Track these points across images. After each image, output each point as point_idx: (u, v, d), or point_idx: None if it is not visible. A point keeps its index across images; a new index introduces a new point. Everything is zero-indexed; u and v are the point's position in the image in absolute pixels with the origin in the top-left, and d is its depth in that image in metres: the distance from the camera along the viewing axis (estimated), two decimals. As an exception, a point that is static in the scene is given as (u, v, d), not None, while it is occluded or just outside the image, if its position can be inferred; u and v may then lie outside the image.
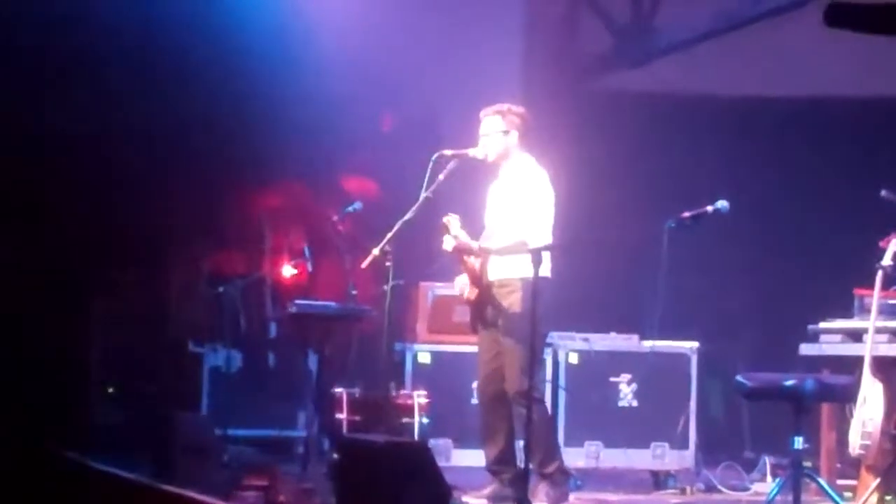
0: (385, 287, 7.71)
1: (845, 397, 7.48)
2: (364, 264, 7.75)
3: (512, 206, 7.72)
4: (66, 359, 9.64)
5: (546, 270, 7.47)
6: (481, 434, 7.90)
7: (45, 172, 9.70)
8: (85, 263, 9.82)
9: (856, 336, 8.06)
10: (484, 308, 7.74)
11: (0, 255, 9.64)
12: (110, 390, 9.78)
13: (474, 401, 8.76)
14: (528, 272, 7.09)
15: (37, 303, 9.68)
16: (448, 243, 7.59)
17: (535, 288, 7.01)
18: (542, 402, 7.87)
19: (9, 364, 9.43)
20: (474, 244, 7.62)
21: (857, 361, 7.69)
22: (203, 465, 7.75)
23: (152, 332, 9.94)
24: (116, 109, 9.74)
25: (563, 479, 7.74)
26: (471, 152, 7.76)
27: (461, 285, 7.82)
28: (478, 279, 7.68)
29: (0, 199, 9.69)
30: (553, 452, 7.69)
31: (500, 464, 7.75)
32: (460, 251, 7.62)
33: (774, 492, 6.86)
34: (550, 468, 7.60)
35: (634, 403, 8.83)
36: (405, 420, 8.20)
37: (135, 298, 10.13)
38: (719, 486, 8.56)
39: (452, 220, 7.55)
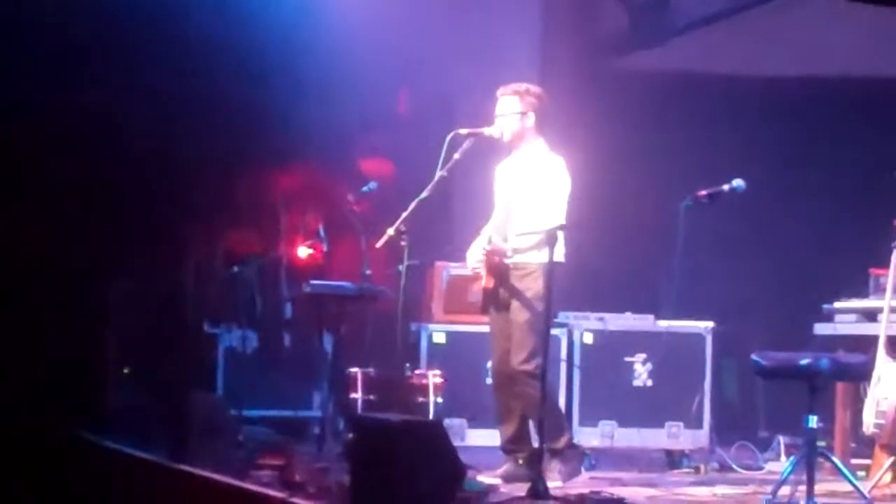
0: (400, 267, 7.73)
1: (860, 376, 7.47)
2: (379, 244, 7.76)
3: (527, 193, 7.71)
4: (83, 341, 9.68)
5: (560, 255, 7.48)
6: (496, 414, 7.92)
7: (61, 154, 9.74)
8: (100, 245, 9.85)
9: (871, 315, 8.06)
10: (497, 291, 7.75)
11: (15, 237, 9.68)
12: (126, 371, 9.80)
13: (489, 381, 8.75)
14: (544, 257, 7.11)
15: (52, 285, 9.71)
16: (479, 247, 7.65)
17: (549, 272, 7.02)
18: (543, 378, 7.86)
19: (26, 347, 9.48)
20: (506, 247, 7.62)
21: (871, 341, 7.68)
22: (218, 445, 7.79)
23: (168, 313, 9.96)
24: (134, 91, 9.76)
25: (574, 455, 7.75)
26: (486, 131, 7.76)
27: (473, 262, 7.80)
28: (497, 271, 7.69)
29: (15, 180, 9.73)
30: (560, 428, 7.70)
31: (515, 443, 7.77)
32: (494, 254, 7.63)
33: (788, 471, 6.85)
34: (559, 444, 7.61)
35: (649, 383, 8.83)
36: (420, 400, 8.21)
37: (150, 280, 10.14)
38: (733, 466, 8.56)
39: (491, 231, 7.61)
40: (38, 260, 9.77)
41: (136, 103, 9.78)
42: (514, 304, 7.67)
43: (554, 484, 7.09)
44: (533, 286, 7.57)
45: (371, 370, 8.35)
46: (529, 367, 7.48)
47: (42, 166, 9.78)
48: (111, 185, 9.81)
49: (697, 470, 8.55)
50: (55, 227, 9.71)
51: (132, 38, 9.71)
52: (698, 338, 8.85)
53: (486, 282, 7.76)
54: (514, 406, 7.76)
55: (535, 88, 7.85)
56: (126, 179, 9.85)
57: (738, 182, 7.88)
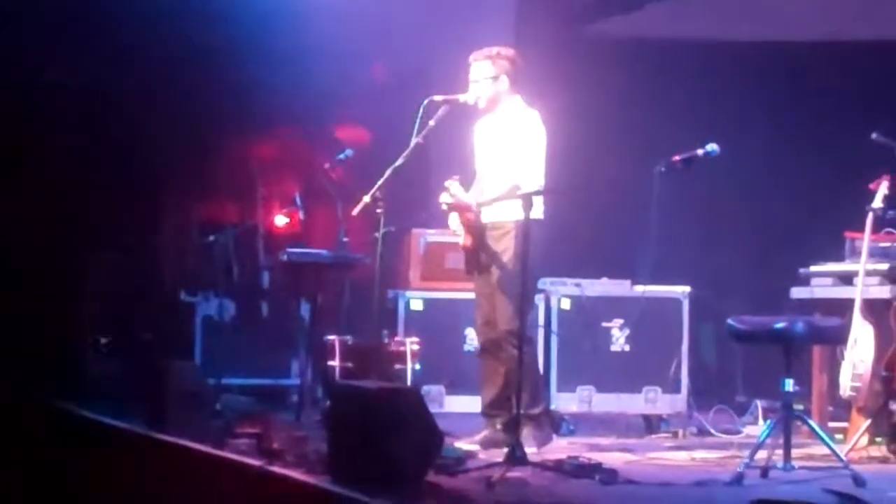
0: (377, 234, 7.71)
1: (836, 339, 7.50)
2: (355, 211, 7.74)
3: (503, 149, 7.71)
4: (58, 310, 9.64)
5: (538, 213, 7.47)
6: (480, 377, 7.91)
7: (36, 125, 9.69)
8: (75, 214, 9.81)
9: (846, 279, 8.09)
10: (478, 253, 7.75)
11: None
12: (103, 341, 9.78)
13: (467, 347, 8.80)
14: (521, 214, 7.10)
15: (27, 255, 9.67)
16: (444, 200, 7.62)
17: (525, 231, 7.02)
18: (532, 342, 7.88)
19: (1, 318, 9.44)
20: (471, 200, 7.62)
21: (847, 304, 7.73)
22: (196, 414, 7.77)
23: (144, 281, 9.94)
24: (109, 60, 9.71)
25: (547, 422, 7.77)
26: (461, 98, 7.75)
27: (455, 225, 7.81)
28: (473, 228, 7.69)
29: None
30: (538, 395, 7.72)
31: (495, 407, 7.78)
32: (458, 208, 7.62)
33: (765, 434, 6.88)
34: (536, 410, 7.62)
35: (626, 348, 8.84)
36: (398, 367, 8.21)
37: (127, 249, 10.11)
38: (711, 430, 8.59)
39: (453, 185, 7.59)
40: (13, 230, 9.73)
41: (111, 74, 9.73)
42: (495, 266, 7.66)
43: (528, 450, 7.10)
44: (511, 245, 7.56)
45: (348, 338, 8.34)
46: (514, 326, 7.46)
47: (16, 138, 9.73)
48: (86, 156, 9.76)
49: (675, 434, 8.58)
50: (31, 199, 9.67)
51: (106, 9, 9.66)
52: (675, 303, 8.86)
53: (464, 240, 7.75)
54: (498, 370, 7.77)
55: (506, 51, 7.84)
56: (101, 150, 9.81)
57: (712, 146, 7.88)
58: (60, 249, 9.71)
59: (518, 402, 7.05)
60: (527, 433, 7.43)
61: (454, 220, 7.79)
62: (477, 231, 7.70)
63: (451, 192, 7.58)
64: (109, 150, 9.83)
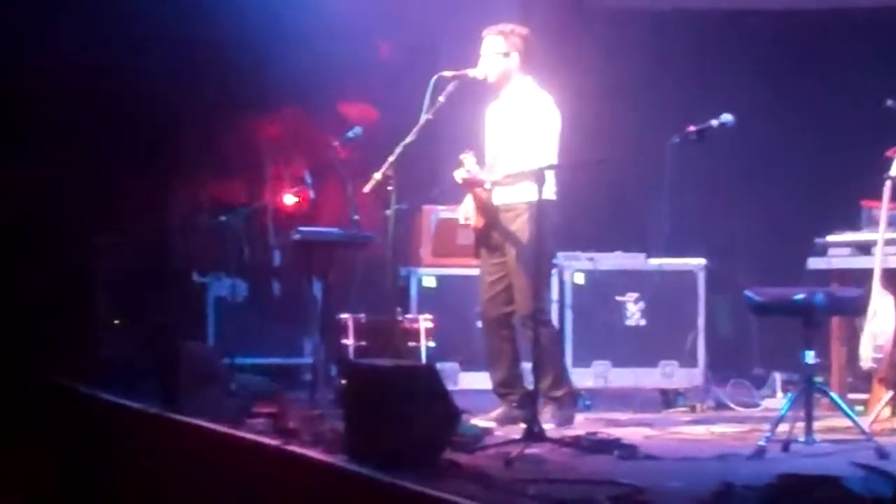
0: (388, 212, 7.65)
1: (855, 310, 7.42)
2: (366, 189, 7.68)
3: (516, 130, 7.66)
4: (72, 292, 9.63)
5: (551, 193, 7.41)
6: (486, 358, 7.88)
7: (46, 106, 9.66)
8: (88, 196, 9.78)
9: (864, 249, 8.01)
10: (489, 233, 7.69)
11: (1, 191, 9.62)
12: (116, 322, 9.76)
13: (480, 324, 8.73)
14: (534, 196, 7.04)
15: (38, 236, 9.66)
16: (459, 175, 7.55)
17: (539, 209, 6.96)
18: (550, 324, 7.83)
19: (14, 299, 9.43)
20: (486, 178, 7.55)
21: (866, 274, 7.64)
22: (211, 394, 7.75)
23: (156, 262, 9.91)
24: (118, 40, 9.67)
25: (570, 402, 7.73)
26: (470, 73, 7.69)
27: (465, 212, 7.77)
28: (485, 208, 7.63)
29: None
30: (562, 377, 7.67)
31: (506, 386, 7.74)
32: (471, 184, 7.57)
33: (786, 407, 6.81)
34: (559, 392, 7.59)
35: (642, 322, 8.77)
36: (411, 344, 8.17)
37: (137, 230, 10.08)
38: (729, 404, 8.54)
39: (468, 158, 7.52)
40: (26, 211, 9.71)
41: (119, 54, 9.69)
42: (509, 248, 7.61)
43: (547, 427, 7.05)
44: (525, 227, 7.51)
45: (362, 316, 8.30)
46: (531, 310, 7.39)
47: (26, 118, 9.70)
48: (97, 136, 9.73)
49: (693, 409, 8.52)
50: (44, 179, 9.65)
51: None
52: (691, 275, 8.79)
53: (475, 221, 7.70)
54: (504, 349, 7.73)
55: (520, 29, 7.78)
56: (111, 130, 9.78)
57: (726, 117, 7.81)
58: (72, 231, 9.69)
59: (537, 380, 7.00)
60: (548, 412, 7.39)
61: (465, 206, 7.72)
62: (489, 211, 7.65)
63: (466, 166, 7.51)
64: (118, 130, 9.80)
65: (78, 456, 8.14)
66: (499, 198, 7.65)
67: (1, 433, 8.50)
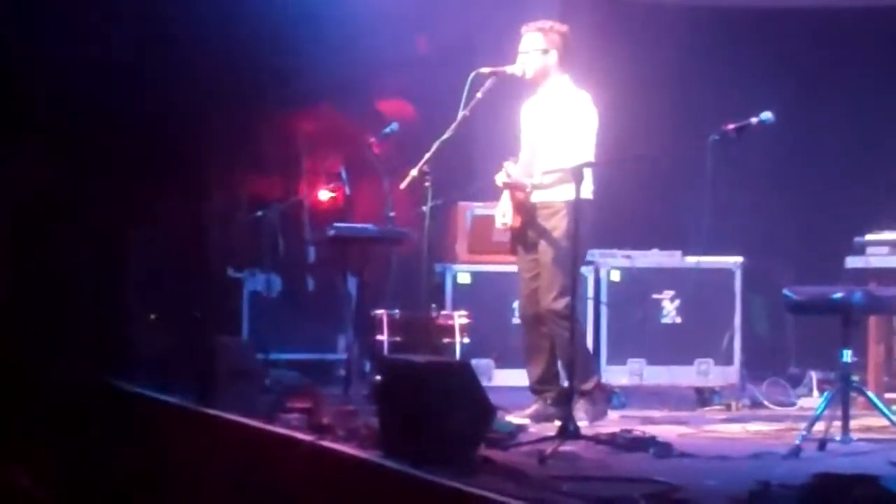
0: (423, 208, 7.65)
1: (893, 309, 7.39)
2: (403, 185, 7.68)
3: (553, 128, 7.64)
4: (108, 288, 9.67)
5: (588, 192, 7.40)
6: (524, 354, 7.87)
7: (85, 101, 9.70)
8: (124, 191, 9.81)
9: (903, 248, 7.97)
10: (525, 231, 7.69)
11: (41, 187, 9.67)
12: (152, 318, 9.79)
13: (515, 320, 8.70)
14: (572, 194, 7.04)
15: (76, 232, 9.70)
16: (500, 179, 7.57)
17: (577, 206, 6.95)
18: (575, 319, 7.81)
19: (52, 296, 9.48)
20: (527, 182, 7.54)
21: (904, 273, 7.60)
22: (246, 390, 7.78)
23: (192, 258, 9.94)
24: (154, 36, 9.71)
25: (601, 397, 7.71)
26: (508, 69, 7.67)
27: (502, 212, 7.76)
28: (523, 208, 7.62)
29: (37, 129, 9.71)
30: (589, 369, 7.65)
31: (543, 383, 7.72)
32: (512, 188, 7.55)
33: (823, 406, 6.78)
34: (588, 385, 7.57)
35: (678, 320, 8.74)
36: (446, 340, 8.17)
37: (173, 225, 10.11)
38: (765, 402, 8.50)
39: (510, 166, 7.53)
40: (62, 207, 9.76)
41: (159, 49, 9.73)
42: (542, 243, 7.60)
43: (581, 424, 7.03)
44: (560, 225, 7.51)
45: (396, 312, 8.30)
46: (558, 306, 7.42)
47: (65, 114, 9.74)
48: (134, 132, 9.76)
49: (728, 407, 8.48)
50: (79, 175, 9.68)
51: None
52: (727, 273, 8.75)
53: (512, 221, 7.70)
54: (542, 346, 7.71)
55: (559, 26, 7.75)
56: (149, 125, 9.80)
57: (766, 114, 7.74)
58: (108, 226, 9.73)
59: (571, 377, 6.99)
60: (580, 407, 7.38)
61: (502, 206, 7.72)
62: (527, 211, 7.64)
63: (508, 170, 7.52)
64: (156, 126, 9.83)
65: (114, 451, 8.18)
66: (537, 196, 7.64)
67: (36, 430, 8.54)
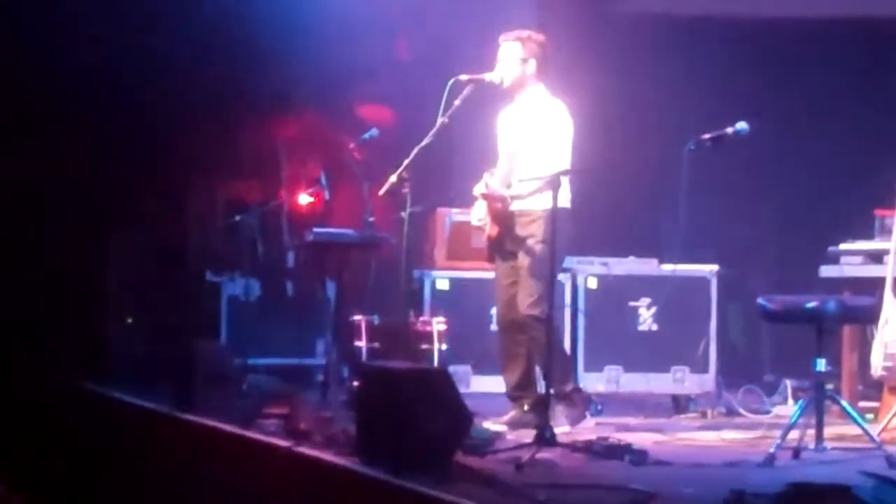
0: (402, 214, 7.68)
1: (868, 319, 7.43)
2: (382, 191, 7.71)
3: (528, 137, 7.68)
4: (85, 291, 9.66)
5: (565, 200, 7.45)
6: (500, 361, 7.90)
7: (67, 104, 9.70)
8: (102, 194, 9.81)
9: (876, 257, 8.02)
10: (503, 240, 7.72)
11: (19, 188, 9.66)
12: (129, 321, 9.79)
13: (493, 327, 8.71)
14: (549, 203, 7.08)
15: (51, 235, 9.69)
16: (478, 191, 7.60)
17: (554, 214, 7.00)
18: (549, 323, 7.84)
19: (28, 298, 9.47)
20: (506, 193, 7.58)
21: (878, 282, 7.64)
22: (223, 394, 7.78)
23: (170, 261, 9.94)
24: (133, 39, 9.71)
25: (580, 399, 7.74)
26: (487, 77, 7.71)
27: (477, 215, 7.79)
28: (500, 217, 7.65)
29: (16, 132, 9.70)
30: (567, 373, 7.69)
31: (520, 389, 7.76)
32: (491, 198, 7.59)
33: (797, 414, 6.83)
34: (566, 387, 7.60)
35: (654, 327, 8.79)
36: (424, 347, 8.17)
37: (152, 229, 10.11)
38: (740, 410, 8.55)
39: (490, 178, 7.58)
40: (41, 209, 9.75)
41: (134, 54, 9.73)
42: (521, 251, 7.64)
43: (561, 429, 7.07)
44: (537, 232, 7.55)
45: (374, 317, 8.30)
46: (536, 311, 7.46)
47: (44, 117, 9.73)
48: (113, 136, 9.76)
49: (704, 414, 8.54)
50: (55, 178, 9.68)
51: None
52: (703, 281, 8.80)
53: (489, 229, 7.74)
54: (519, 353, 7.75)
55: (537, 35, 7.80)
56: (128, 130, 9.81)
57: (741, 125, 7.80)
58: (85, 229, 9.72)
59: (549, 384, 7.03)
60: (559, 412, 7.42)
61: (478, 210, 7.76)
62: (504, 221, 7.67)
63: (486, 181, 7.56)
64: (134, 129, 9.83)
65: (89, 455, 8.17)
66: (515, 205, 7.67)
67: (12, 433, 8.53)
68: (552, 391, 7.18)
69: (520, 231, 7.63)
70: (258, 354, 9.20)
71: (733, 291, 9.28)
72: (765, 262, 10.41)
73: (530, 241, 7.59)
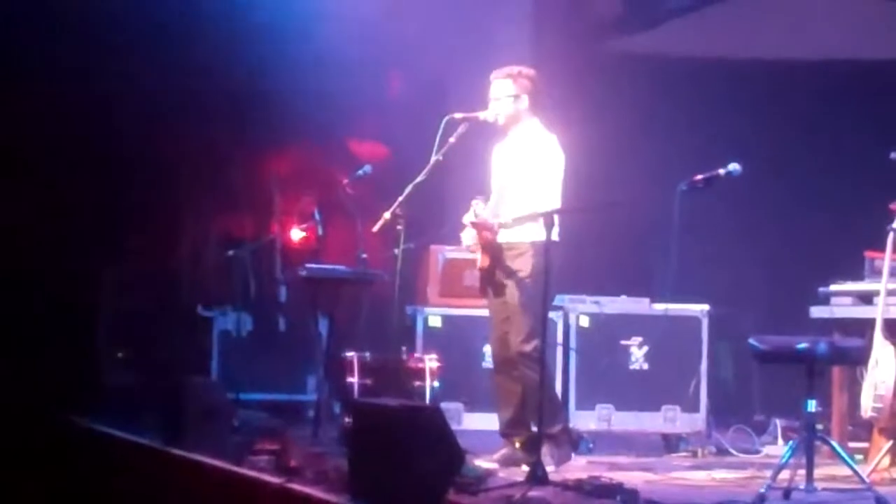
0: (396, 250, 7.70)
1: (858, 360, 7.46)
2: (375, 228, 7.73)
3: (521, 172, 7.71)
4: (76, 324, 9.66)
5: (555, 234, 7.46)
6: (495, 397, 7.90)
7: (57, 138, 9.72)
8: (95, 228, 9.82)
9: (867, 298, 8.06)
10: (494, 273, 7.73)
11: (9, 221, 9.66)
12: (120, 355, 9.78)
13: (486, 364, 8.75)
14: (537, 236, 7.13)
15: (44, 269, 9.69)
16: (468, 219, 7.63)
17: (547, 252, 7.02)
18: (541, 361, 7.85)
19: (18, 331, 9.46)
20: (494, 222, 7.61)
21: (868, 324, 7.68)
22: (214, 430, 7.77)
23: (162, 296, 9.94)
24: (127, 73, 9.74)
25: (567, 440, 7.74)
26: (481, 115, 7.74)
27: (468, 241, 7.80)
28: (490, 248, 7.67)
29: (7, 164, 9.72)
30: (556, 413, 7.69)
31: (513, 427, 7.76)
32: (480, 228, 7.62)
33: (788, 454, 6.83)
34: (554, 429, 7.59)
35: (645, 366, 8.81)
36: (416, 384, 8.17)
37: (144, 263, 10.13)
38: (730, 449, 8.56)
39: (478, 204, 7.59)
40: (31, 244, 9.75)
41: (127, 87, 9.76)
42: (509, 285, 7.65)
43: (546, 468, 7.07)
44: (525, 267, 7.56)
45: (367, 354, 8.30)
46: (527, 348, 7.48)
47: (38, 150, 9.75)
48: (105, 169, 9.78)
49: (694, 454, 8.55)
50: (50, 211, 9.69)
51: (125, 20, 9.70)
52: (694, 321, 8.83)
53: (481, 261, 7.75)
54: (514, 390, 7.74)
55: (527, 71, 7.83)
56: (120, 165, 9.83)
57: (734, 166, 7.85)
58: (78, 263, 9.73)
59: (541, 422, 7.03)
60: (545, 451, 7.41)
61: (468, 236, 7.78)
62: (493, 251, 7.69)
63: (477, 211, 7.58)
64: (127, 165, 9.86)
65: (78, 490, 8.15)
66: (502, 236, 7.69)
67: (1, 467, 8.50)
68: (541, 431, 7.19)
69: (509, 264, 7.65)
70: (249, 389, 9.21)
71: (724, 331, 9.31)
72: (756, 303, 10.44)
73: (519, 275, 7.60)
